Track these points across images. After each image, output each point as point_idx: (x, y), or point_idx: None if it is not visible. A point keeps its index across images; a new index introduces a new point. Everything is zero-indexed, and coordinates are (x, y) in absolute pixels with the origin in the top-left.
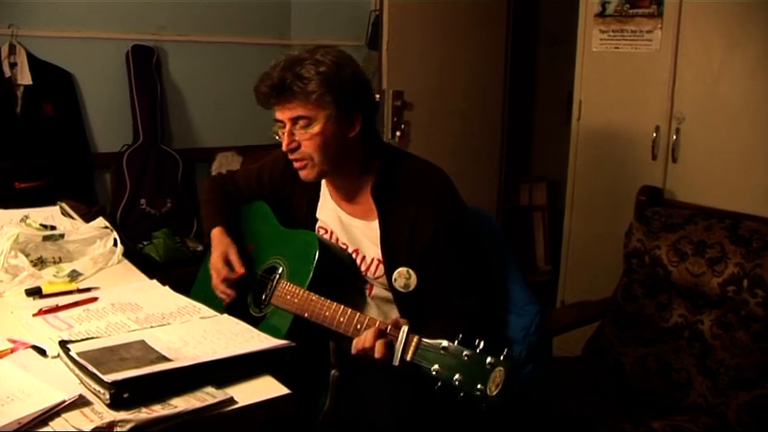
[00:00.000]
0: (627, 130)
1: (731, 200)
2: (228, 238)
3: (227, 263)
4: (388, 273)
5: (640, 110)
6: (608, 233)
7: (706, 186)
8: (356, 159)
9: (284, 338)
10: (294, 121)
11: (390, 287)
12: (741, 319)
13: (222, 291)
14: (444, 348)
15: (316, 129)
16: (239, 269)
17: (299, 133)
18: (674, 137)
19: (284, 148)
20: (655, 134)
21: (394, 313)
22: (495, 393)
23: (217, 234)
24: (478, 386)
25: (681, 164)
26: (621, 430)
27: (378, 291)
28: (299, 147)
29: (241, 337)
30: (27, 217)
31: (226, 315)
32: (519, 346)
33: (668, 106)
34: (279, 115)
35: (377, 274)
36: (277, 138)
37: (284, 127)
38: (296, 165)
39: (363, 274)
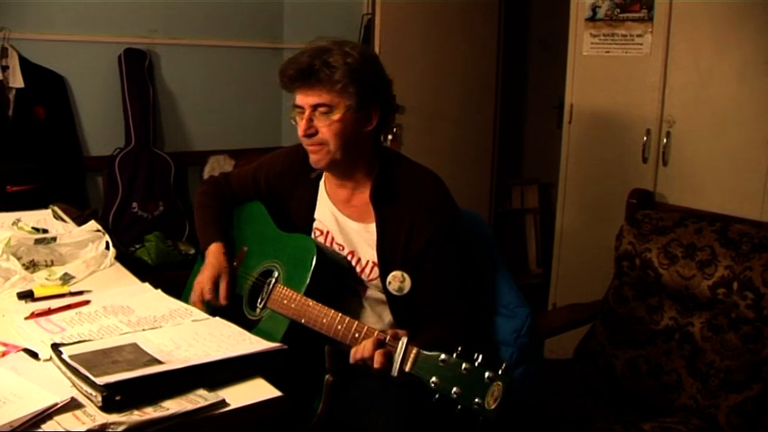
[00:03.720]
0: (618, 133)
1: (721, 203)
2: (225, 261)
3: (216, 287)
4: (383, 276)
5: (631, 113)
6: (599, 236)
7: (696, 189)
8: (366, 156)
9: (280, 342)
10: (315, 107)
11: (384, 290)
12: (731, 321)
13: (197, 307)
14: (443, 361)
15: (335, 116)
16: (223, 301)
17: (319, 120)
18: (665, 140)
19: (301, 132)
20: (645, 137)
21: (387, 315)
22: (493, 407)
23: (214, 252)
24: (476, 399)
25: (671, 167)
26: None
27: (372, 292)
28: (316, 133)
29: (233, 340)
30: (19, 220)
31: (218, 318)
32: (510, 349)
33: (659, 110)
34: (300, 101)
35: (371, 277)
36: (293, 123)
37: (303, 113)
38: (310, 149)
39: (358, 275)
